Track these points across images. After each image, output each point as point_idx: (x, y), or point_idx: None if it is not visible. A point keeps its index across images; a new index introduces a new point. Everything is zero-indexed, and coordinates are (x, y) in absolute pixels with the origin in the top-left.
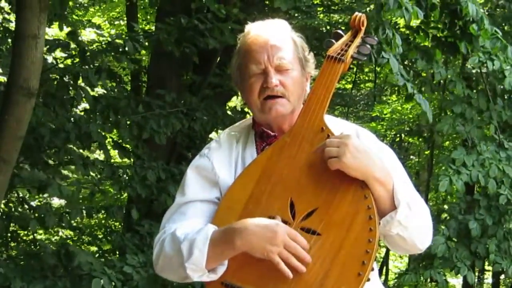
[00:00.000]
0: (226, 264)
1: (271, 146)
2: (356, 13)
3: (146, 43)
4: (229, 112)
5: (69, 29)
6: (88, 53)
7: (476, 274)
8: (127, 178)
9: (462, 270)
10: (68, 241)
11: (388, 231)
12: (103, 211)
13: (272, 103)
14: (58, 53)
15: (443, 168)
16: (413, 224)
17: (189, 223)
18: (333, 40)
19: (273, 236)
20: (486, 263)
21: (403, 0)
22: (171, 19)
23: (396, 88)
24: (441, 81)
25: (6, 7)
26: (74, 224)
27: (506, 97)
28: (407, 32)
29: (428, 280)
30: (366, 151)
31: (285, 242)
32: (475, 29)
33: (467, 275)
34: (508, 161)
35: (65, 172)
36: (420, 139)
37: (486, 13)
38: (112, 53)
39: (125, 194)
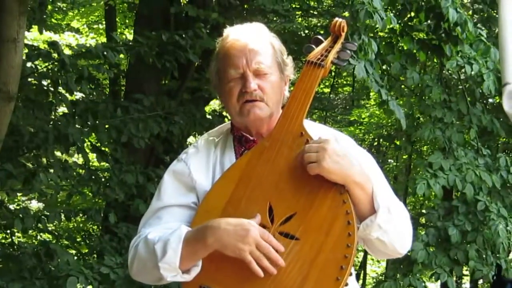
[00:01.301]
0: (200, 265)
1: (250, 150)
2: (337, 18)
3: (126, 53)
4: (208, 116)
5: (48, 33)
6: (68, 63)
7: (454, 278)
8: (105, 179)
9: (442, 276)
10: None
11: (368, 235)
12: (81, 214)
13: (251, 106)
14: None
15: (420, 171)
16: (393, 228)
17: (163, 227)
18: (313, 46)
19: (245, 234)
20: (464, 268)
21: (376, 8)
22: (152, 34)
23: (373, 93)
24: (419, 85)
25: None
26: (53, 228)
27: (484, 102)
28: (391, 35)
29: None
30: (345, 155)
31: (257, 241)
32: (460, 31)
33: (447, 281)
34: (486, 167)
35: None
36: (393, 145)
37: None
38: (91, 61)
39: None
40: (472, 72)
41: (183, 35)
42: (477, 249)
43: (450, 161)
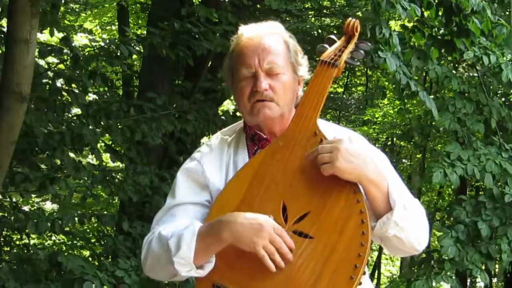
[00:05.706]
0: (213, 261)
1: (263, 149)
2: (350, 18)
3: (141, 47)
4: (221, 116)
5: (61, 34)
6: (81, 58)
7: (469, 278)
8: (119, 181)
9: (475, 271)
10: (61, 245)
11: (385, 232)
12: (95, 219)
13: (261, 105)
14: (50, 59)
15: (438, 161)
16: (409, 225)
17: (177, 224)
18: (326, 45)
19: (260, 228)
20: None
21: None
22: (165, 24)
23: (387, 91)
24: (432, 83)
25: None
26: (67, 229)
27: (499, 95)
28: (403, 32)
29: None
30: (359, 154)
31: (271, 236)
32: (476, 22)
33: (480, 276)
34: (510, 160)
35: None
36: (411, 144)
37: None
38: (105, 58)
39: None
40: (491, 61)
41: (195, 22)
42: (509, 242)
43: (469, 152)
